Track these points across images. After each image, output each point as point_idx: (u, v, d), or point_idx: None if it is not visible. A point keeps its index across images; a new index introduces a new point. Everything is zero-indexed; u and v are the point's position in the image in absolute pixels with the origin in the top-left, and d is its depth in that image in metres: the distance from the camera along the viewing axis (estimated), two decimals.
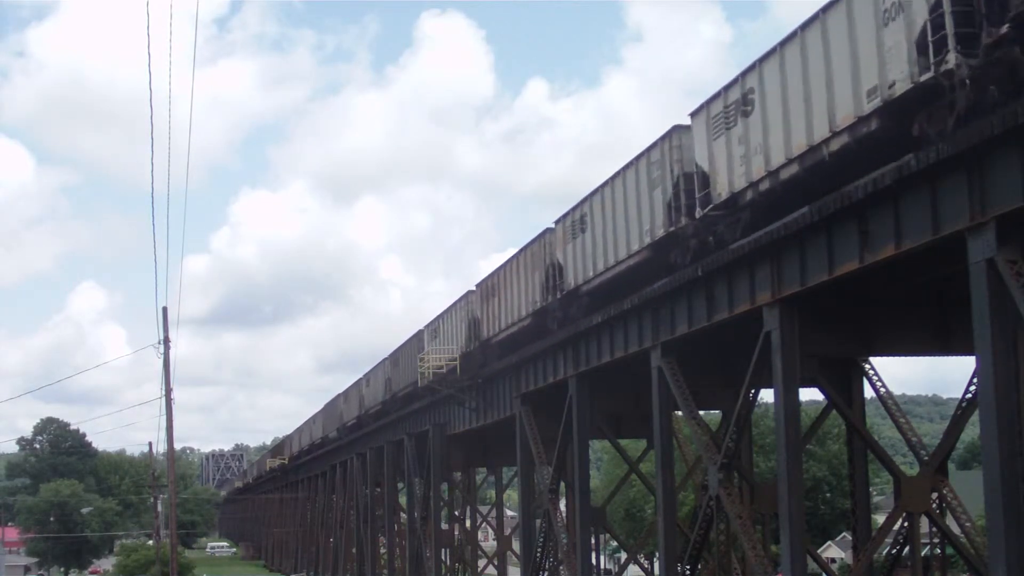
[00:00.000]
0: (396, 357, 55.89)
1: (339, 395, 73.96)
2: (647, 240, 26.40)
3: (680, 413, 28.27)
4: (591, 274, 29.85)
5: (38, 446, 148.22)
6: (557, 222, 32.56)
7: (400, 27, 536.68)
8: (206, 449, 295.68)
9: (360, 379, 67.08)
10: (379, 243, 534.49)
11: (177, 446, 45.84)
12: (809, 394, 40.43)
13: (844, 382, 28.98)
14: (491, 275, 39.37)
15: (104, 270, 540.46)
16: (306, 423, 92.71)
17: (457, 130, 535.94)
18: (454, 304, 44.53)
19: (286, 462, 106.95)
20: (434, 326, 47.50)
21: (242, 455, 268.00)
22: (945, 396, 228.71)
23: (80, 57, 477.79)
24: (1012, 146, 16.26)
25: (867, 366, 28.82)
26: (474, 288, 41.72)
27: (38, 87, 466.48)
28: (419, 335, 49.53)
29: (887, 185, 18.48)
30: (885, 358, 28.61)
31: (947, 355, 28.09)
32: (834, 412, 32.08)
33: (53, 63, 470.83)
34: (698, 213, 24.34)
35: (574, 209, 31.03)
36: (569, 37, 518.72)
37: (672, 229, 25.33)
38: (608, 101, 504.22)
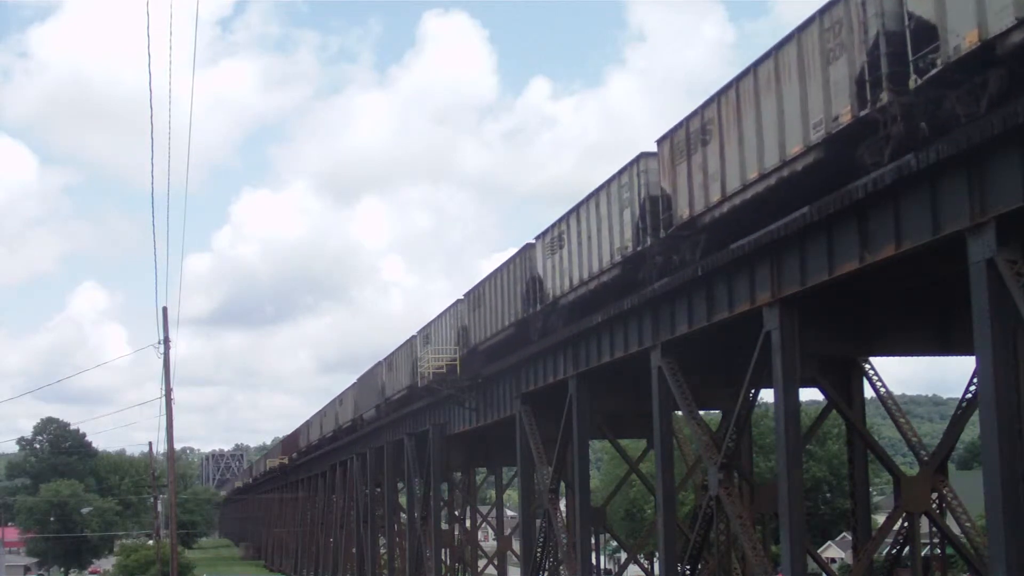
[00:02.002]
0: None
1: (380, 363, 59.25)
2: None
3: (680, 413, 28.27)
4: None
5: (38, 446, 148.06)
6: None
7: (403, 27, 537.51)
8: (206, 449, 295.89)
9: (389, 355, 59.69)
10: (380, 243, 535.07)
11: (177, 446, 45.88)
12: (809, 394, 40.45)
13: (844, 382, 28.97)
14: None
15: (105, 270, 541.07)
16: (329, 405, 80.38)
17: (459, 130, 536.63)
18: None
19: (286, 462, 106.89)
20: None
21: (242, 455, 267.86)
22: (945, 396, 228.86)
23: (82, 57, 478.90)
24: (1012, 146, 16.26)
25: (867, 366, 28.81)
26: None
27: (40, 87, 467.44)
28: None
29: (887, 185, 18.49)
30: (885, 358, 28.61)
31: (947, 355, 28.09)
32: (834, 412, 32.09)
33: (55, 63, 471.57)
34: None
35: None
36: (572, 37, 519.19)
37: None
38: (610, 101, 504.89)
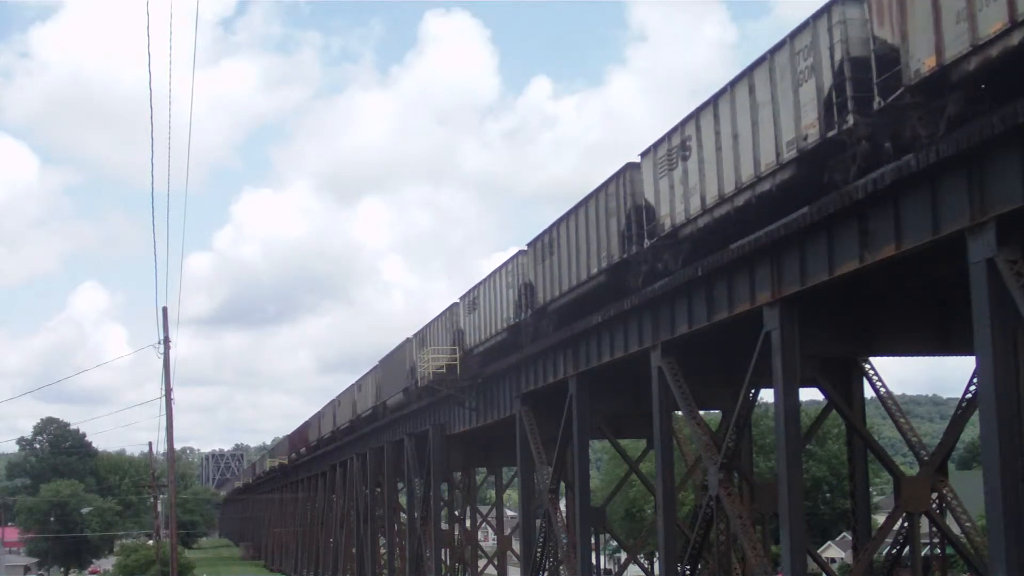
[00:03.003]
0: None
1: (407, 340, 51.96)
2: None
3: (680, 413, 28.28)
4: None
5: (38, 446, 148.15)
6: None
7: (405, 27, 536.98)
8: (206, 449, 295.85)
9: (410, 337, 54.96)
10: (381, 243, 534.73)
11: (177, 446, 45.89)
12: (809, 394, 40.38)
13: (844, 382, 28.99)
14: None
15: (106, 270, 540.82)
16: (345, 393, 73.02)
17: (460, 130, 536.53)
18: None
19: (287, 462, 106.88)
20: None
21: (242, 455, 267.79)
22: (945, 396, 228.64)
23: (84, 57, 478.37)
24: (1012, 146, 16.27)
25: (867, 366, 28.83)
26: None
27: (41, 87, 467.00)
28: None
29: (887, 185, 18.50)
30: (885, 358, 28.62)
31: (947, 355, 28.09)
32: (834, 412, 32.10)
33: (57, 63, 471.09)
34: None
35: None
36: (573, 36, 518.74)
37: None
38: (611, 101, 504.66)
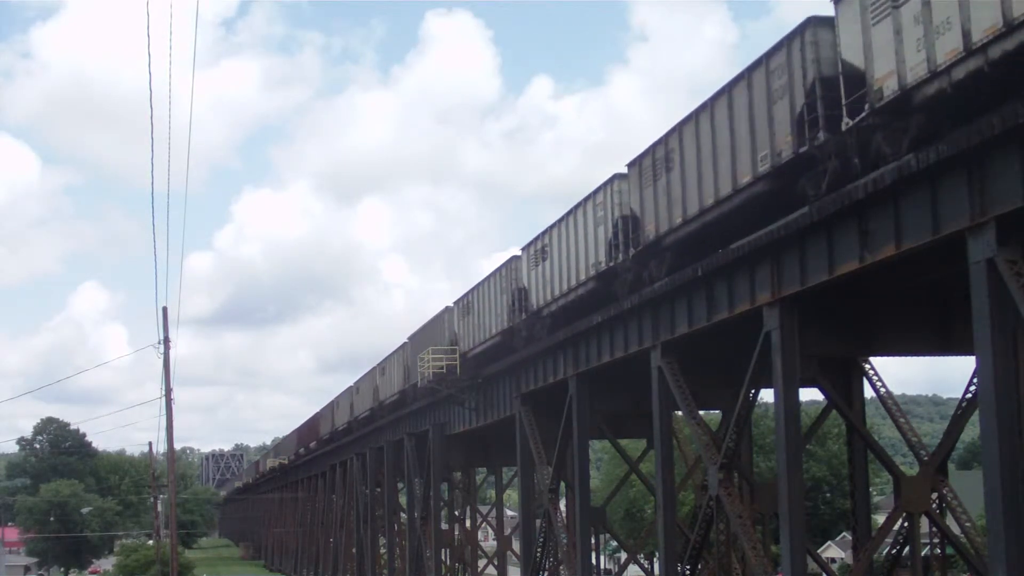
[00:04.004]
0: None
1: (447, 309, 46.30)
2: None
3: (680, 413, 28.28)
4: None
5: (38, 446, 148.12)
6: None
7: (406, 27, 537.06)
8: (206, 449, 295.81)
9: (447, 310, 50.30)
10: (381, 243, 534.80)
11: (177, 446, 45.89)
12: (809, 394, 40.36)
13: (844, 382, 28.97)
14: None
15: (107, 270, 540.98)
16: (365, 378, 66.12)
17: (461, 130, 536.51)
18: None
19: (286, 462, 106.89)
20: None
21: (242, 455, 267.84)
22: (945, 396, 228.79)
23: (84, 57, 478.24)
24: (1012, 146, 16.27)
25: (867, 366, 28.82)
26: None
27: (42, 87, 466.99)
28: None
29: (887, 185, 18.50)
30: (885, 358, 28.60)
31: (947, 355, 28.06)
32: (834, 412, 32.08)
33: (57, 63, 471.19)
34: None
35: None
36: (574, 36, 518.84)
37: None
38: (612, 100, 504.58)
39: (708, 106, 23.97)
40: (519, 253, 36.37)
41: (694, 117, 24.58)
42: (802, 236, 21.28)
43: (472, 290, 41.56)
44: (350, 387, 71.23)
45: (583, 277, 30.71)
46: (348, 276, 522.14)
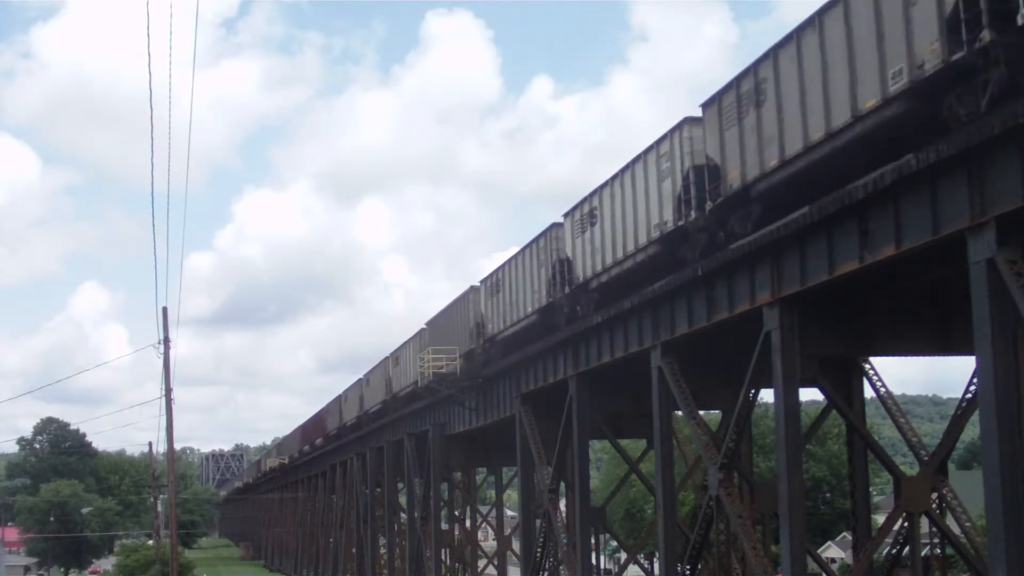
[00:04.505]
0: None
1: (472, 288, 42.33)
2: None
3: (680, 413, 28.27)
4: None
5: (38, 446, 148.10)
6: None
7: (406, 27, 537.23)
8: (206, 449, 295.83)
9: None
10: (382, 243, 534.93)
11: (177, 446, 45.87)
12: (809, 394, 40.35)
13: (844, 382, 28.96)
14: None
15: (107, 270, 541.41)
16: (376, 369, 61.31)
17: (461, 130, 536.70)
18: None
19: (286, 462, 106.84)
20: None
21: (242, 455, 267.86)
22: (945, 396, 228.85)
23: (85, 58, 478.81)
24: (1012, 146, 16.27)
25: (867, 366, 28.82)
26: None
27: (43, 87, 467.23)
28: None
29: (887, 185, 18.50)
30: (885, 358, 28.60)
31: (947, 355, 28.04)
32: (834, 412, 32.07)
33: (58, 64, 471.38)
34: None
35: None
36: (574, 36, 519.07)
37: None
38: (613, 100, 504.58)
39: (814, 20, 20.30)
40: (561, 220, 32.42)
41: (794, 37, 21.02)
42: (802, 236, 21.27)
43: (502, 266, 37.96)
44: (359, 379, 67.08)
45: (643, 241, 27.17)
46: (348, 276, 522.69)
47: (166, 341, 40.71)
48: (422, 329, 49.20)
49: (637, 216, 27.39)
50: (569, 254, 31.84)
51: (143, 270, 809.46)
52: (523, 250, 35.77)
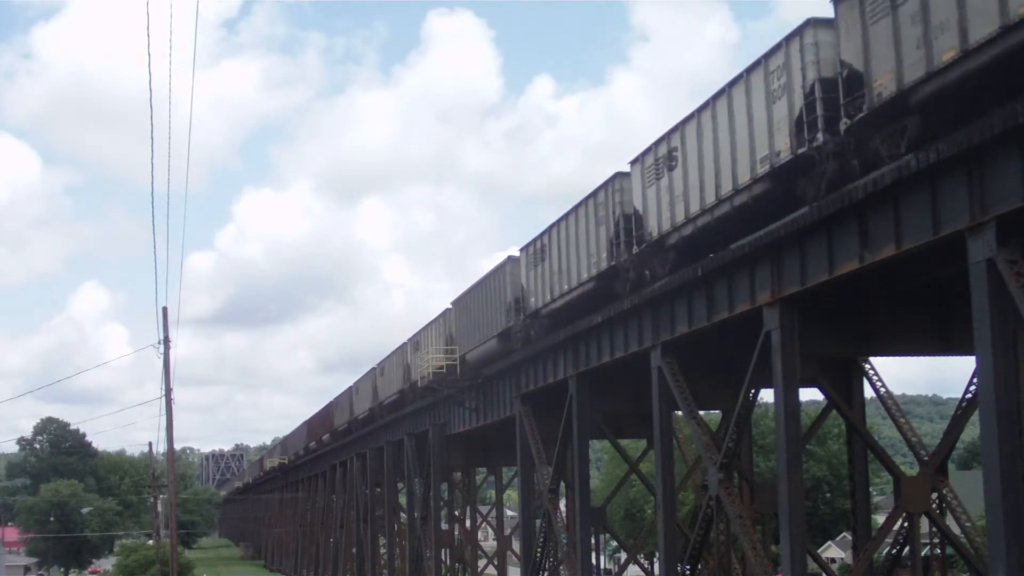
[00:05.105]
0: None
1: (509, 259, 37.69)
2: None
3: (680, 413, 28.27)
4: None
5: (38, 446, 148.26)
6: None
7: (408, 27, 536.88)
8: (206, 449, 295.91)
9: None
10: (382, 243, 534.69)
11: (177, 446, 45.90)
12: (809, 394, 40.37)
13: (844, 382, 28.98)
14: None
15: (107, 270, 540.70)
16: (393, 356, 56.32)
17: (462, 130, 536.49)
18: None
19: (286, 462, 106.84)
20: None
21: (242, 455, 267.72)
22: (945, 396, 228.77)
23: (85, 58, 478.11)
24: (1012, 146, 16.27)
25: (867, 366, 28.83)
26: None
27: (43, 87, 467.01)
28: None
29: (887, 185, 18.50)
30: (885, 358, 28.62)
31: (947, 355, 28.10)
32: (834, 412, 32.08)
33: (59, 63, 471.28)
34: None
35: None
36: (576, 36, 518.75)
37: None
38: (613, 100, 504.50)
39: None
40: (626, 168, 28.87)
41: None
42: (802, 236, 21.28)
43: (547, 231, 33.67)
44: (372, 369, 61.97)
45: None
46: (349, 276, 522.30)
47: (166, 341, 40.76)
48: (446, 309, 45.17)
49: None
50: (638, 207, 27.78)
51: (143, 270, 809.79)
52: (576, 208, 31.37)
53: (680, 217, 25.59)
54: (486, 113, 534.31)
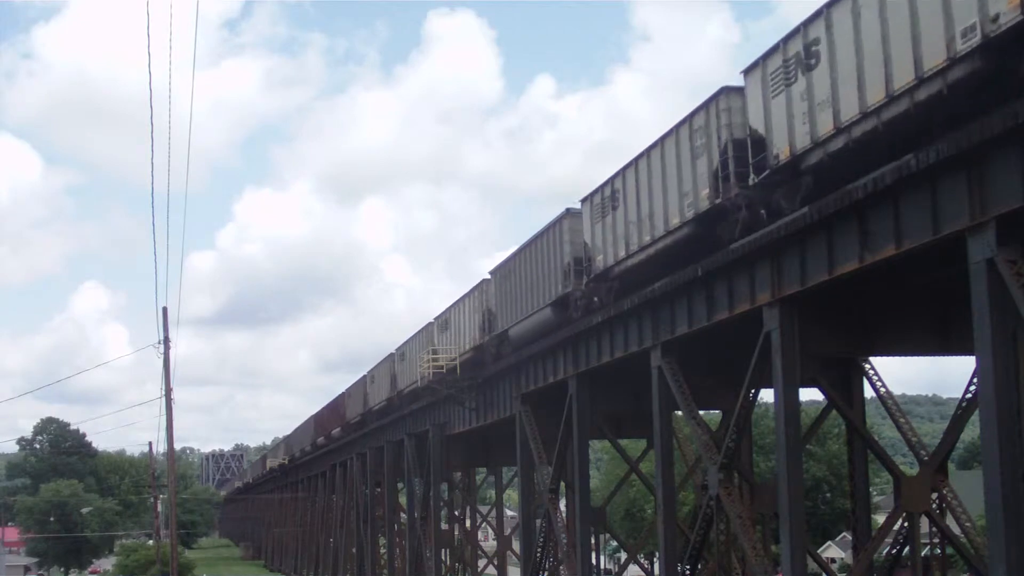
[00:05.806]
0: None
1: (567, 212, 32.16)
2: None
3: (680, 413, 28.27)
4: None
5: (38, 446, 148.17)
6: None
7: (409, 27, 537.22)
8: (206, 449, 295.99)
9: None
10: (383, 243, 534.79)
11: (177, 446, 45.88)
12: (809, 394, 40.34)
13: (844, 382, 28.98)
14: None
15: (108, 270, 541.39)
16: (414, 339, 50.92)
17: (463, 130, 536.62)
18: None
19: (286, 462, 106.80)
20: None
21: (242, 455, 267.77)
22: (945, 396, 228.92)
23: (86, 58, 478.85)
24: (1012, 146, 16.27)
25: (867, 366, 28.82)
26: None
27: (44, 88, 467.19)
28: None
29: (887, 185, 18.51)
30: (885, 358, 28.61)
31: (947, 355, 28.07)
32: (834, 412, 32.07)
33: (59, 64, 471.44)
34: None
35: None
36: (576, 36, 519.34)
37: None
38: (614, 100, 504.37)
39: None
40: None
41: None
42: (802, 236, 21.28)
43: (618, 174, 28.33)
44: (391, 354, 56.33)
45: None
46: (349, 276, 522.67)
47: (166, 341, 40.75)
48: (483, 280, 40.21)
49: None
50: (756, 126, 22.55)
51: (144, 270, 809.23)
52: (663, 139, 26.10)
53: (820, 131, 20.23)
54: (487, 113, 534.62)
